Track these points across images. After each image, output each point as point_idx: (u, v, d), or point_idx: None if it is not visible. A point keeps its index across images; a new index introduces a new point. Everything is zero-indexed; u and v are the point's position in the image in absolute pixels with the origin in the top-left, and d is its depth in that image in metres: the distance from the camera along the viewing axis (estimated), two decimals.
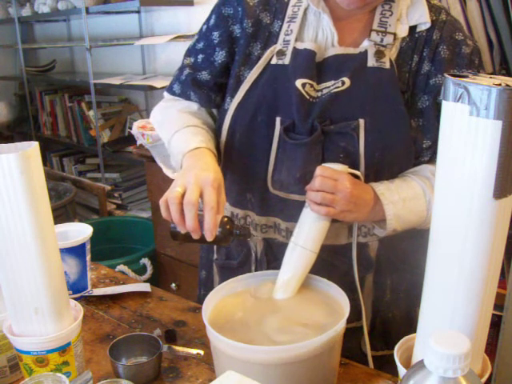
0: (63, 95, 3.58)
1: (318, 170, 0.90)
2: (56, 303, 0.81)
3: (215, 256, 1.15)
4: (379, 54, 0.94)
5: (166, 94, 1.15)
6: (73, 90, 3.62)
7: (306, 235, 0.91)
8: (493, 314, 0.69)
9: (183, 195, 0.84)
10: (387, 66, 0.94)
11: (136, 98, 3.39)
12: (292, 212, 0.98)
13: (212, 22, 1.06)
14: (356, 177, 0.92)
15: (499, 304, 0.97)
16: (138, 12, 3.15)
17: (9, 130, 4.02)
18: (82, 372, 0.85)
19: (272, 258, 1.04)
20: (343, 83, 0.94)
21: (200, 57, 1.07)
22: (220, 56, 1.05)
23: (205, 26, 1.08)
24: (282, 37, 1.00)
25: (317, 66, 0.96)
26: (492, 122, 0.57)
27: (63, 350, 0.82)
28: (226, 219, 0.88)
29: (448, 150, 0.63)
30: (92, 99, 3.09)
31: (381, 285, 1.04)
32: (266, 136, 0.97)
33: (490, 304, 0.67)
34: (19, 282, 0.79)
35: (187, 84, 1.09)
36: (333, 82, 0.95)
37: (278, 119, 0.96)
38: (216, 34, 1.05)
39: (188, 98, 1.10)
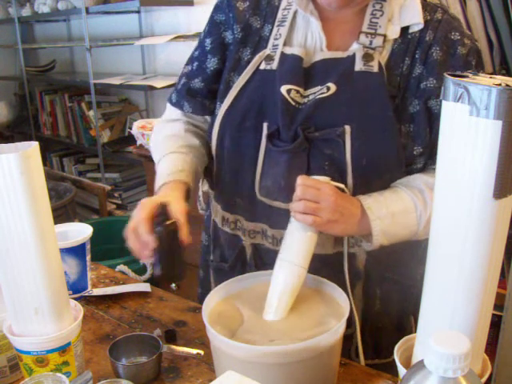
0: (63, 95, 3.58)
1: (299, 180, 0.87)
2: (56, 303, 0.81)
3: (211, 257, 1.15)
4: (367, 58, 0.91)
5: (167, 104, 1.16)
6: (73, 90, 3.62)
7: (294, 249, 0.87)
8: (493, 314, 0.69)
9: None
10: (375, 69, 0.91)
11: (136, 98, 3.39)
12: (278, 219, 0.97)
13: (206, 29, 1.08)
14: (341, 190, 0.90)
15: (499, 304, 0.97)
16: (138, 12, 3.15)
17: (9, 130, 4.02)
18: (82, 372, 0.85)
19: (260, 262, 1.04)
20: (328, 89, 0.92)
21: (195, 64, 1.09)
22: (212, 63, 1.06)
23: (202, 34, 1.09)
24: (271, 41, 0.99)
25: (305, 71, 0.95)
26: (492, 122, 0.57)
27: (63, 350, 0.82)
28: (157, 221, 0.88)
29: (448, 150, 0.63)
30: (92, 99, 3.09)
31: (370, 295, 1.02)
32: (253, 142, 0.97)
33: (490, 304, 0.67)
34: (19, 282, 0.79)
35: (182, 93, 1.10)
36: (319, 87, 0.93)
37: (265, 125, 0.95)
38: (208, 41, 1.06)
39: (181, 108, 1.11)
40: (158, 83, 2.70)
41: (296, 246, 0.87)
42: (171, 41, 2.68)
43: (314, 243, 0.88)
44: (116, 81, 2.94)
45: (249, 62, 0.99)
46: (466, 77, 0.61)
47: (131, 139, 2.68)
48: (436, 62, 0.92)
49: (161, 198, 0.90)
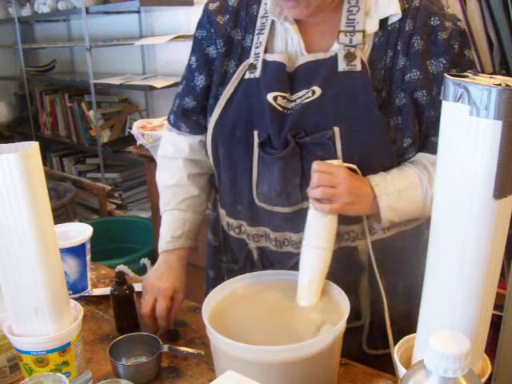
0: (63, 95, 3.58)
1: (314, 166, 0.88)
2: (56, 303, 0.82)
3: (224, 258, 1.16)
4: (349, 57, 0.91)
5: (166, 123, 1.18)
6: (73, 89, 3.62)
7: (316, 234, 0.90)
8: (493, 314, 0.69)
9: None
10: (358, 68, 0.91)
11: (136, 98, 3.39)
12: (278, 222, 0.99)
13: (192, 47, 1.09)
14: (353, 171, 0.91)
15: (499, 304, 0.97)
16: (138, 12, 3.15)
17: (9, 130, 4.02)
18: (81, 372, 0.85)
19: (267, 263, 1.05)
20: (313, 93, 0.92)
21: (184, 83, 1.11)
22: (200, 80, 1.07)
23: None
24: (253, 50, 0.99)
25: (289, 76, 0.95)
26: (492, 122, 0.57)
27: (63, 350, 0.82)
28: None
29: (448, 150, 0.63)
30: (92, 99, 3.09)
31: (376, 286, 1.02)
32: (246, 151, 0.97)
33: (490, 304, 0.67)
34: (19, 282, 0.79)
35: (178, 114, 1.13)
36: (305, 91, 0.93)
37: (255, 133, 0.96)
38: (193, 59, 1.08)
39: (179, 129, 1.13)
40: (158, 83, 2.70)
41: (317, 230, 0.90)
42: (171, 41, 2.68)
43: (335, 224, 0.90)
44: (116, 81, 2.94)
45: (234, 73, 1.00)
46: (466, 77, 0.61)
47: (131, 139, 2.67)
48: (418, 52, 0.91)
49: (168, 291, 1.01)
